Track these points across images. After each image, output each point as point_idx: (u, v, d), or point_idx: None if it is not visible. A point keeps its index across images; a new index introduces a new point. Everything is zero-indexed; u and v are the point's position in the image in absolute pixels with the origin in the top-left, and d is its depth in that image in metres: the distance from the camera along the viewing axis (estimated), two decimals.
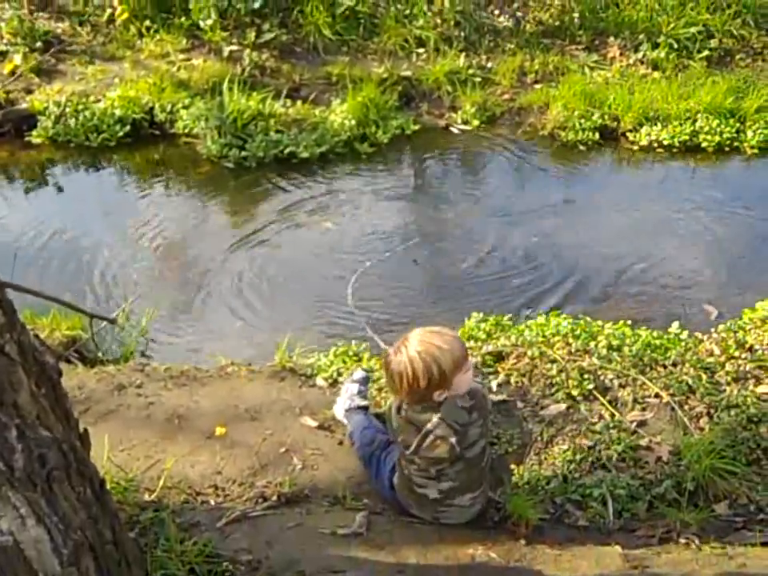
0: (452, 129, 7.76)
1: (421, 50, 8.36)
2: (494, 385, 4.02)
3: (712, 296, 5.32)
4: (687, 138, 7.29)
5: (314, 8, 8.42)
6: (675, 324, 4.50)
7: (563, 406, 3.84)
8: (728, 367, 4.06)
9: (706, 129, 7.31)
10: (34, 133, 7.41)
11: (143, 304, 5.14)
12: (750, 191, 6.75)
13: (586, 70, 8.17)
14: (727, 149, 7.28)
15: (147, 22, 8.37)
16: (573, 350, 4.17)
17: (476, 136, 7.65)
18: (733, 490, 3.41)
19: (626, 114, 7.47)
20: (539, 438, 3.71)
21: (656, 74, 8.12)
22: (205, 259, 5.85)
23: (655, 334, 4.38)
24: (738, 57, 8.52)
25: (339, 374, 4.20)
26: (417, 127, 7.66)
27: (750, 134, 7.29)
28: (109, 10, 8.50)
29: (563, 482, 3.49)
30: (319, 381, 4.17)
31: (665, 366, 4.07)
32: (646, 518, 3.34)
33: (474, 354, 4.22)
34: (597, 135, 7.42)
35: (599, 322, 4.49)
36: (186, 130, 7.39)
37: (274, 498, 3.26)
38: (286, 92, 7.80)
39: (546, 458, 3.62)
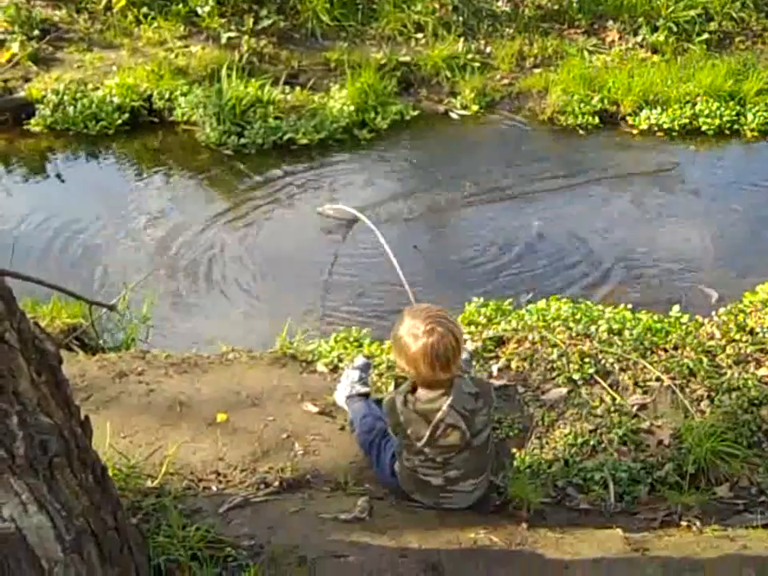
0: (451, 114, 7.74)
1: (419, 35, 8.32)
2: (494, 369, 4.02)
3: (712, 279, 5.32)
4: (687, 121, 7.28)
5: None
6: (676, 307, 4.49)
7: (564, 390, 3.85)
8: (729, 350, 4.06)
9: (706, 112, 7.30)
10: (33, 121, 7.38)
11: (143, 291, 5.14)
12: (750, 174, 6.74)
13: (585, 53, 8.15)
14: (727, 132, 7.27)
15: (144, 9, 8.30)
16: (573, 334, 4.18)
17: (475, 121, 7.63)
18: (734, 472, 3.42)
19: (625, 98, 7.45)
20: (540, 422, 3.71)
21: (655, 58, 8.11)
22: (204, 246, 5.84)
23: (656, 317, 4.37)
24: (737, 39, 8.50)
25: (340, 360, 4.20)
26: (416, 113, 7.64)
27: (749, 116, 7.28)
28: None
29: (564, 466, 3.50)
30: (320, 367, 4.17)
31: (665, 350, 4.07)
32: (647, 500, 3.35)
33: (475, 339, 4.22)
34: (596, 119, 7.41)
35: (600, 306, 4.49)
36: (185, 118, 7.36)
37: (276, 483, 3.26)
38: (284, 78, 7.77)
39: (547, 442, 3.62)
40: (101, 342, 4.68)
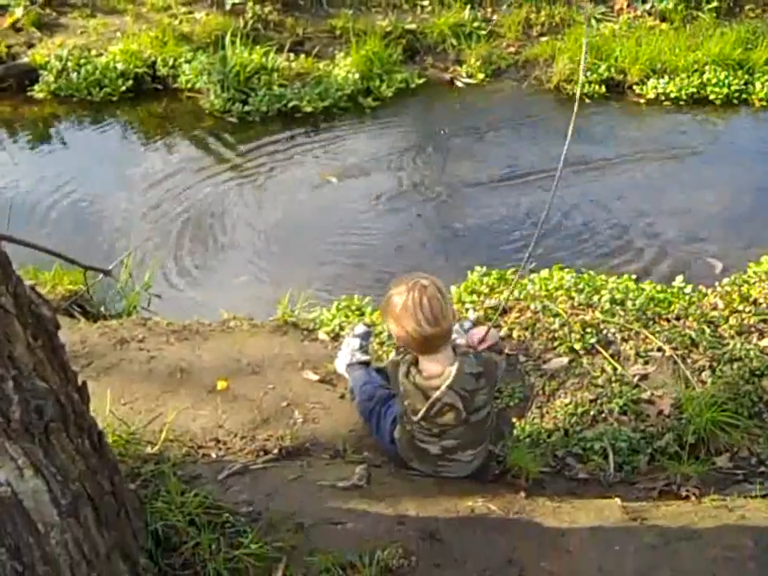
0: (457, 82, 7.69)
1: (425, 3, 8.24)
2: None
3: (717, 250, 5.30)
4: (695, 90, 7.22)
5: None
6: (679, 278, 4.46)
7: (565, 360, 3.84)
8: (731, 321, 4.04)
9: (714, 81, 7.23)
10: (36, 87, 7.36)
11: (146, 258, 5.14)
12: (758, 144, 6.69)
13: (593, 21, 8.06)
14: (735, 101, 7.21)
15: None
16: (576, 304, 4.16)
17: (481, 89, 7.57)
18: (734, 442, 3.42)
19: (632, 67, 7.38)
20: (541, 392, 3.70)
21: (664, 26, 8.02)
22: (207, 214, 5.84)
23: (659, 287, 4.35)
24: (747, 7, 8.37)
25: (341, 328, 4.18)
26: (421, 81, 7.60)
27: (758, 85, 7.21)
28: None
29: (564, 435, 3.49)
30: (321, 335, 4.17)
31: (668, 320, 4.05)
32: (647, 470, 3.35)
33: (477, 308, 4.21)
34: (603, 88, 7.35)
35: (603, 276, 4.46)
36: (189, 85, 7.34)
37: (275, 451, 3.27)
38: (289, 46, 7.73)
39: (547, 412, 3.62)
40: (102, 309, 4.69)
